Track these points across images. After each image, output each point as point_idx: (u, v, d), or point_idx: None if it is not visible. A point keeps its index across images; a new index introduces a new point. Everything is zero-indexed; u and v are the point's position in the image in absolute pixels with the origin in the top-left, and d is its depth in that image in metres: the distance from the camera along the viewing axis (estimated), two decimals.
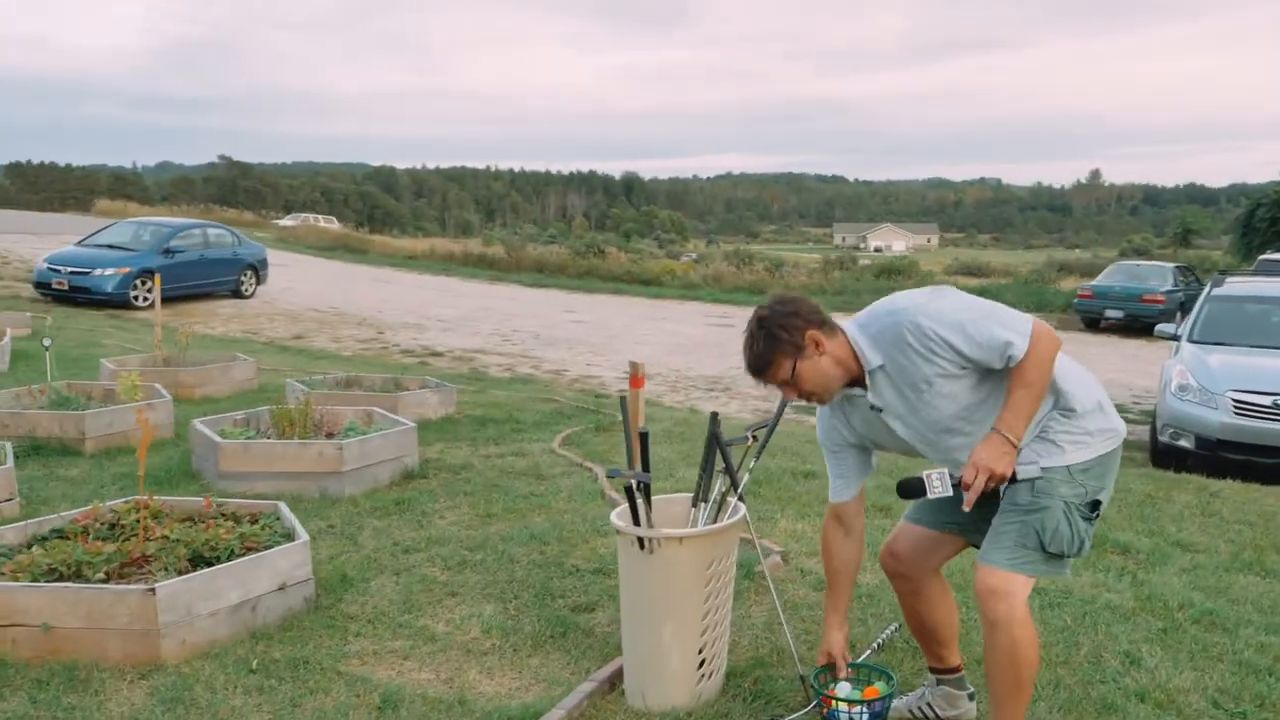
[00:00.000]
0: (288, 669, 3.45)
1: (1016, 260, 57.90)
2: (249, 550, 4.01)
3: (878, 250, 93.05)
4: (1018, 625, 2.65)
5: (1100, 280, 21.97)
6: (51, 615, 3.51)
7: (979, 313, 2.61)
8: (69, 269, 16.91)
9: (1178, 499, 6.04)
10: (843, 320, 2.76)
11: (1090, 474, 2.68)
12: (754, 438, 3.50)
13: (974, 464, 2.57)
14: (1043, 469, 2.62)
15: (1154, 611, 4.08)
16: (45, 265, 17.33)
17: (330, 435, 6.08)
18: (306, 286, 22.77)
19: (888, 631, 3.72)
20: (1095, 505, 2.70)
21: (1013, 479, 2.59)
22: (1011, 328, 2.56)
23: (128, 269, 17.16)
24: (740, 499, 3.41)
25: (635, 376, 3.58)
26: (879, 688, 3.03)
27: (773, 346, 2.67)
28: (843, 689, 3.03)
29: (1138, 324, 19.37)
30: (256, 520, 4.43)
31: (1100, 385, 2.81)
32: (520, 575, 4.34)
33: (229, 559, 3.90)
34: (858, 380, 2.74)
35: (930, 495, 2.59)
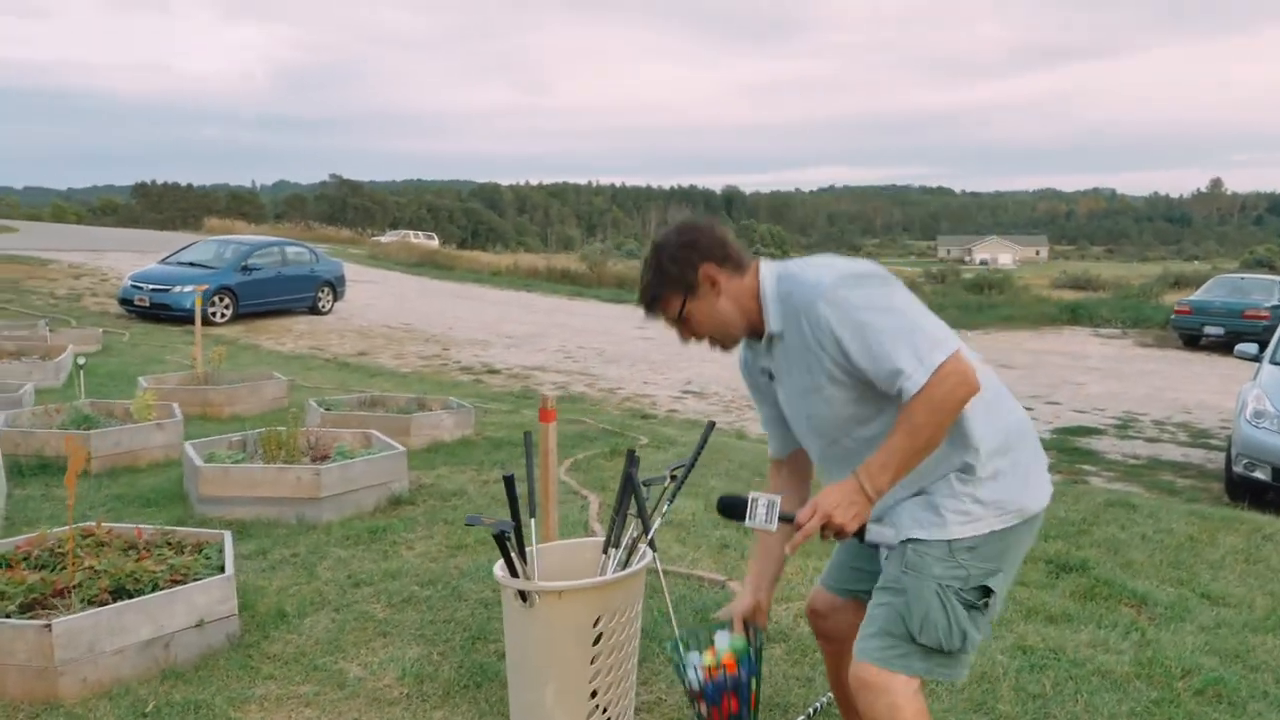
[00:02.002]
0: (179, 713, 3.27)
1: (1130, 273, 55.52)
2: (175, 583, 3.86)
3: (983, 263, 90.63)
4: None
5: (1200, 295, 20.79)
6: None
7: (891, 320, 2.16)
8: (150, 286, 17.37)
9: (1222, 543, 5.48)
10: (771, 263, 2.37)
11: (977, 554, 2.25)
12: (673, 477, 3.20)
13: (812, 504, 2.18)
14: (914, 540, 2.24)
15: (1151, 679, 3.62)
16: (129, 283, 17.84)
17: (323, 459, 5.94)
18: (385, 303, 23.03)
19: (821, 700, 3.35)
20: (984, 592, 2.26)
21: (859, 536, 2.21)
22: (918, 352, 2.12)
23: (206, 285, 17.52)
24: (651, 545, 3.11)
25: (545, 409, 3.30)
26: (737, 647, 2.62)
27: (660, 280, 2.34)
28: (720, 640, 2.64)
29: (1240, 342, 18.26)
30: (201, 549, 4.29)
31: (1030, 438, 2.36)
32: (461, 615, 4.10)
33: (152, 592, 3.75)
34: (759, 332, 2.37)
35: (750, 523, 2.23)
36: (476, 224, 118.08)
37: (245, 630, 3.93)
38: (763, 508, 2.22)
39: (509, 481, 2.84)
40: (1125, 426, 11.71)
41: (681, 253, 2.33)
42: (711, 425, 3.19)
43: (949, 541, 2.23)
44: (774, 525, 2.22)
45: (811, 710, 3.26)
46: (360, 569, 4.66)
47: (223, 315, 17.79)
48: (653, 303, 2.38)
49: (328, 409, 7.75)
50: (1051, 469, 8.32)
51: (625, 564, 3.08)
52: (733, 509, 2.26)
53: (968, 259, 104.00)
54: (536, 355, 16.15)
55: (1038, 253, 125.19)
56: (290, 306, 19.55)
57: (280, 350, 15.59)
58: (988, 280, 29.37)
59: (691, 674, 2.58)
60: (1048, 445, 10.23)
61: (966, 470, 2.25)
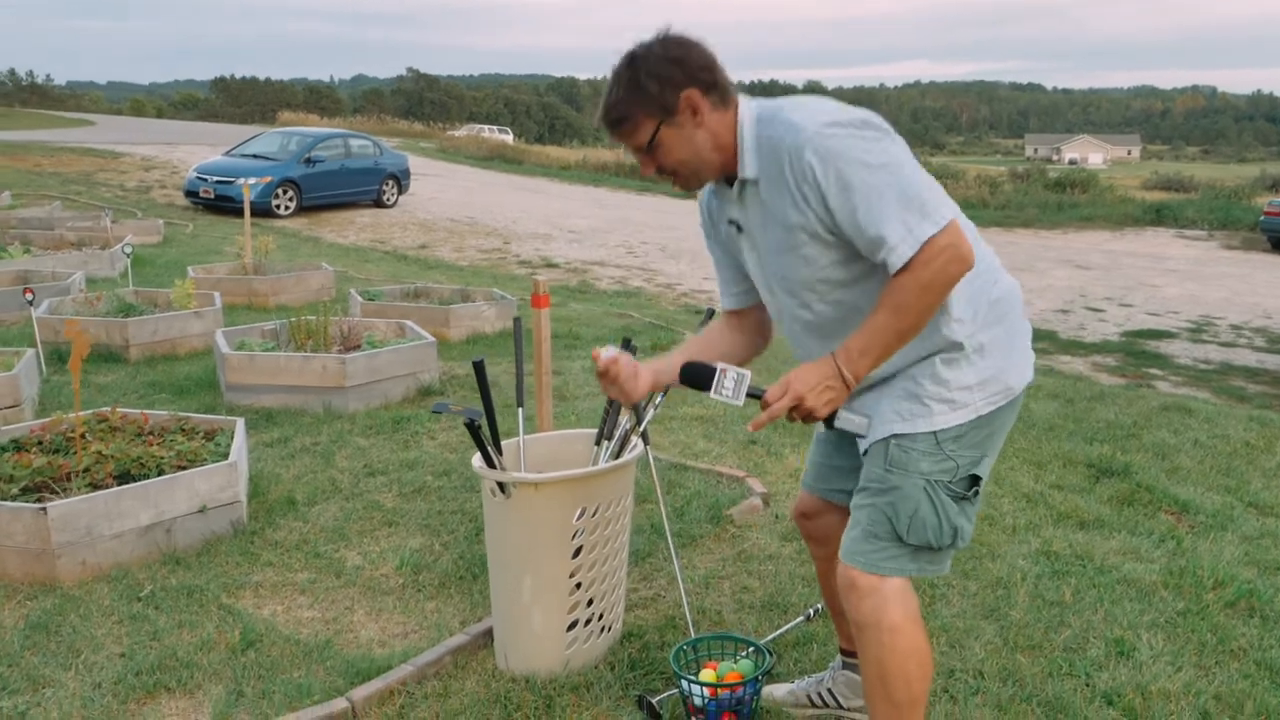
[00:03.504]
0: (174, 598, 3.26)
1: (1226, 175, 53.02)
2: (181, 469, 3.84)
3: (1072, 162, 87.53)
4: (887, 630, 2.07)
5: None
6: None
7: (881, 179, 1.88)
8: (215, 178, 17.46)
9: None
10: (751, 100, 2.07)
11: (964, 442, 2.06)
12: None
13: (784, 382, 1.97)
14: (897, 435, 2.06)
15: (1180, 589, 3.41)
16: (194, 175, 17.96)
17: (354, 348, 5.89)
18: (451, 196, 22.96)
19: (820, 604, 3.20)
20: (973, 482, 2.08)
21: (829, 424, 2.01)
22: (907, 221, 1.87)
23: (269, 178, 17.58)
24: (643, 437, 2.97)
25: (538, 295, 3.14)
26: (744, 668, 2.57)
27: (635, 98, 2.00)
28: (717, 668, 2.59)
29: None
30: (213, 437, 4.28)
31: (1018, 309, 2.14)
32: (471, 506, 4.03)
33: (157, 477, 3.74)
34: (731, 176, 2.10)
35: (715, 395, 2.02)
36: (553, 119, 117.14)
37: (253, 517, 3.91)
38: (731, 380, 2.02)
39: (478, 367, 2.70)
40: (1199, 330, 11.21)
41: (665, 69, 1.99)
42: (710, 313, 3.00)
43: (935, 433, 2.04)
44: (740, 400, 2.03)
45: (811, 611, 3.13)
46: (378, 458, 4.62)
47: (286, 208, 17.88)
48: (619, 123, 2.05)
49: (369, 299, 7.71)
50: (1116, 372, 8.03)
51: (617, 456, 2.94)
52: (698, 377, 2.05)
53: (1056, 158, 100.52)
54: (597, 250, 15.98)
55: (1130, 152, 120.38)
56: (354, 199, 19.56)
57: (341, 242, 15.64)
58: (1070, 179, 28.18)
59: (695, 691, 2.49)
60: (1115, 348, 9.93)
61: (951, 349, 2.04)
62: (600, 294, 11.65)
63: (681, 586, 2.94)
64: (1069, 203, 24.55)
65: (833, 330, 2.09)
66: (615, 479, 2.81)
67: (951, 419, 2.04)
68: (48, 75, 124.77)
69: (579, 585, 2.77)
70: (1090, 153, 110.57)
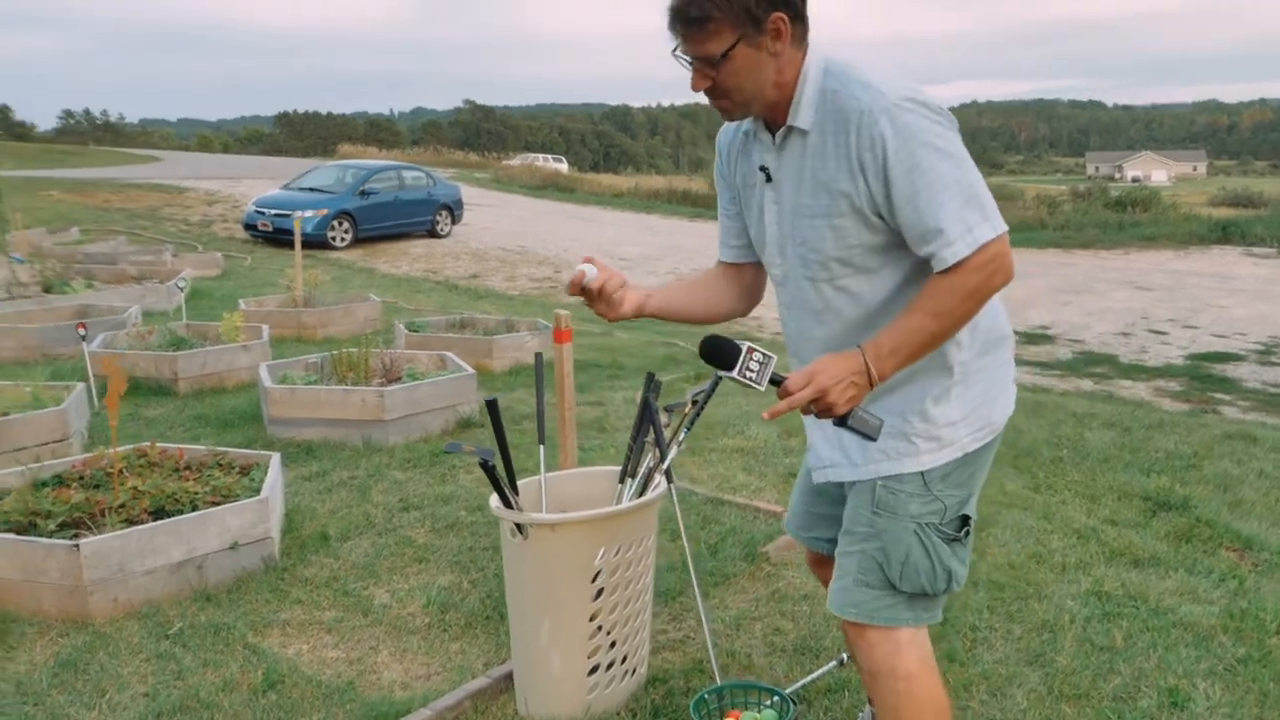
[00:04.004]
0: (201, 635, 3.25)
1: None
2: (215, 505, 3.84)
3: (1135, 180, 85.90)
4: (903, 678, 1.97)
5: None
6: None
7: (951, 169, 1.78)
8: (272, 211, 17.77)
9: None
10: (818, 49, 1.91)
11: (951, 481, 1.96)
12: (694, 402, 2.96)
13: (809, 372, 1.81)
14: (886, 476, 1.95)
15: (1241, 633, 3.24)
16: (253, 208, 18.30)
17: (395, 380, 5.90)
18: (504, 226, 23.11)
19: (845, 654, 3.08)
20: (963, 522, 1.99)
21: (842, 421, 1.85)
22: (967, 219, 1.77)
23: (325, 210, 17.86)
24: (667, 475, 2.89)
25: (559, 329, 3.09)
26: (767, 718, 2.47)
27: (728, 1, 1.80)
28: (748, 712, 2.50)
29: None
30: (248, 472, 4.28)
31: (1009, 341, 2.05)
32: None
33: (191, 513, 3.74)
34: (776, 121, 1.95)
35: (738, 375, 1.84)
36: (608, 147, 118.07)
37: (285, 553, 3.90)
38: (756, 362, 1.84)
39: (491, 406, 2.65)
40: (1269, 352, 10.84)
41: None
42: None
43: (922, 473, 1.95)
44: (764, 384, 1.85)
45: (844, 656, 3.02)
46: (414, 492, 4.60)
47: (342, 240, 18.13)
48: (695, 23, 1.82)
49: (414, 330, 7.74)
50: (1180, 397, 7.73)
51: (641, 494, 2.87)
52: (721, 353, 1.86)
53: (1118, 176, 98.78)
54: (648, 277, 15.94)
55: (1195, 169, 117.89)
56: (408, 230, 19.77)
57: (394, 273, 15.79)
58: (1132, 197, 27.61)
59: None
60: (1179, 372, 9.63)
61: (942, 378, 1.94)
62: (648, 322, 11.59)
63: (706, 630, 2.85)
64: (1130, 222, 24.02)
65: (829, 317, 1.99)
66: (636, 519, 2.74)
67: (939, 458, 1.95)
68: (120, 114, 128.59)
69: (600, 628, 2.70)
70: (1154, 170, 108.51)
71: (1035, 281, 16.03)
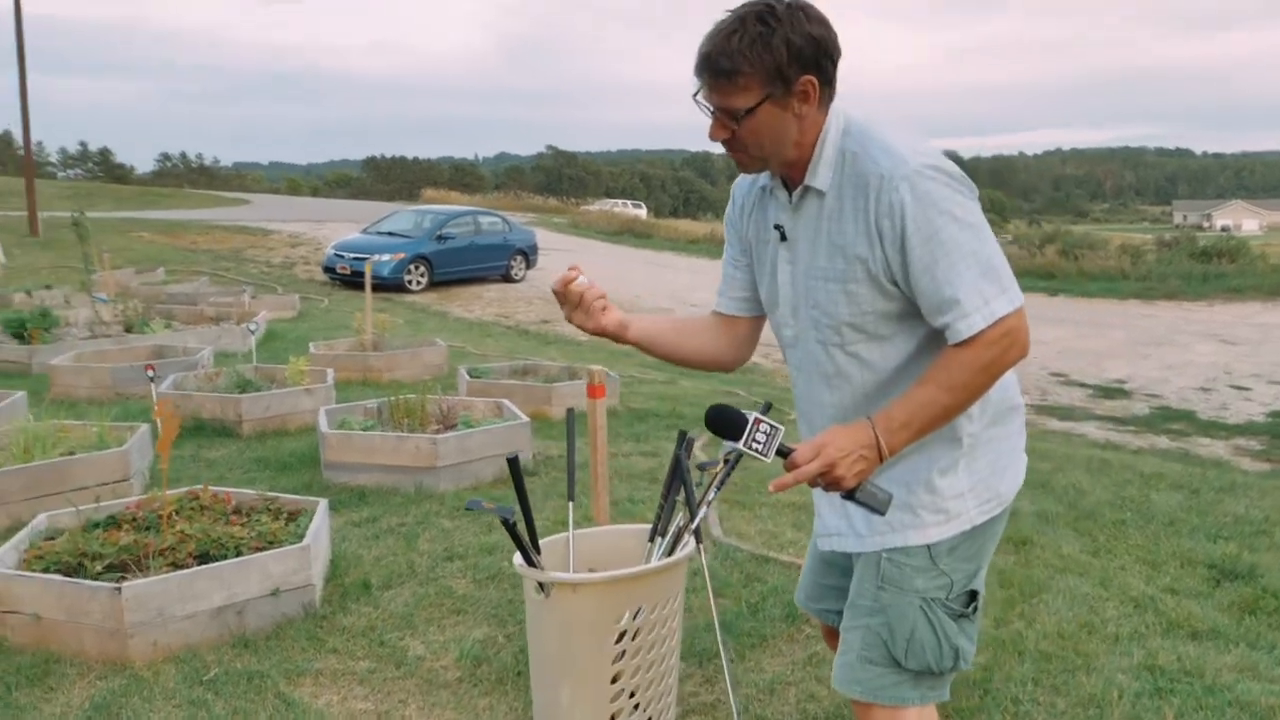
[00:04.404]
0: (235, 683, 3.28)
1: None
2: (260, 550, 3.89)
3: (1224, 229, 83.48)
4: None
5: None
6: (41, 606, 3.53)
7: (970, 239, 1.75)
8: (351, 255, 18.18)
9: None
10: (839, 109, 1.88)
11: (958, 555, 1.91)
12: (726, 460, 2.92)
13: (817, 444, 1.76)
14: (891, 549, 1.90)
15: None
16: (332, 251, 18.76)
17: (451, 427, 5.95)
18: None
19: None
20: (971, 598, 1.93)
21: (849, 495, 1.80)
22: (984, 291, 1.74)
23: (402, 255, 18.23)
24: (696, 535, 2.85)
25: (592, 385, 3.08)
26: None
27: (756, 56, 1.75)
28: None
29: None
30: (295, 517, 4.33)
31: (1020, 410, 2.00)
32: None
33: (235, 558, 3.79)
34: (794, 179, 1.92)
35: (744, 447, 1.79)
36: (687, 192, 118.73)
37: (326, 600, 3.93)
38: (763, 434, 1.80)
39: (512, 464, 2.64)
40: None
41: (802, 42, 1.77)
42: (768, 406, 2.89)
43: (928, 546, 1.90)
44: (770, 456, 1.81)
45: None
46: (459, 542, 4.61)
47: (418, 283, 18.46)
48: (724, 75, 1.79)
49: (476, 376, 7.81)
50: (1260, 456, 7.44)
51: (670, 553, 2.84)
52: (728, 423, 1.81)
53: (1206, 225, 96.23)
54: None
55: None
56: (483, 274, 20.08)
57: (467, 317, 16.02)
58: (1218, 248, 26.84)
59: None
60: (1261, 429, 9.29)
61: (951, 450, 1.89)
62: (712, 373, 11.56)
63: (733, 702, 2.78)
64: (1216, 273, 23.34)
65: (839, 382, 1.95)
66: (662, 579, 2.70)
67: (946, 531, 1.90)
68: (215, 157, 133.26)
69: (623, 690, 2.66)
70: (1244, 219, 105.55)
71: (1114, 333, 15.67)
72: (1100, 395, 11.00)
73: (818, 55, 1.79)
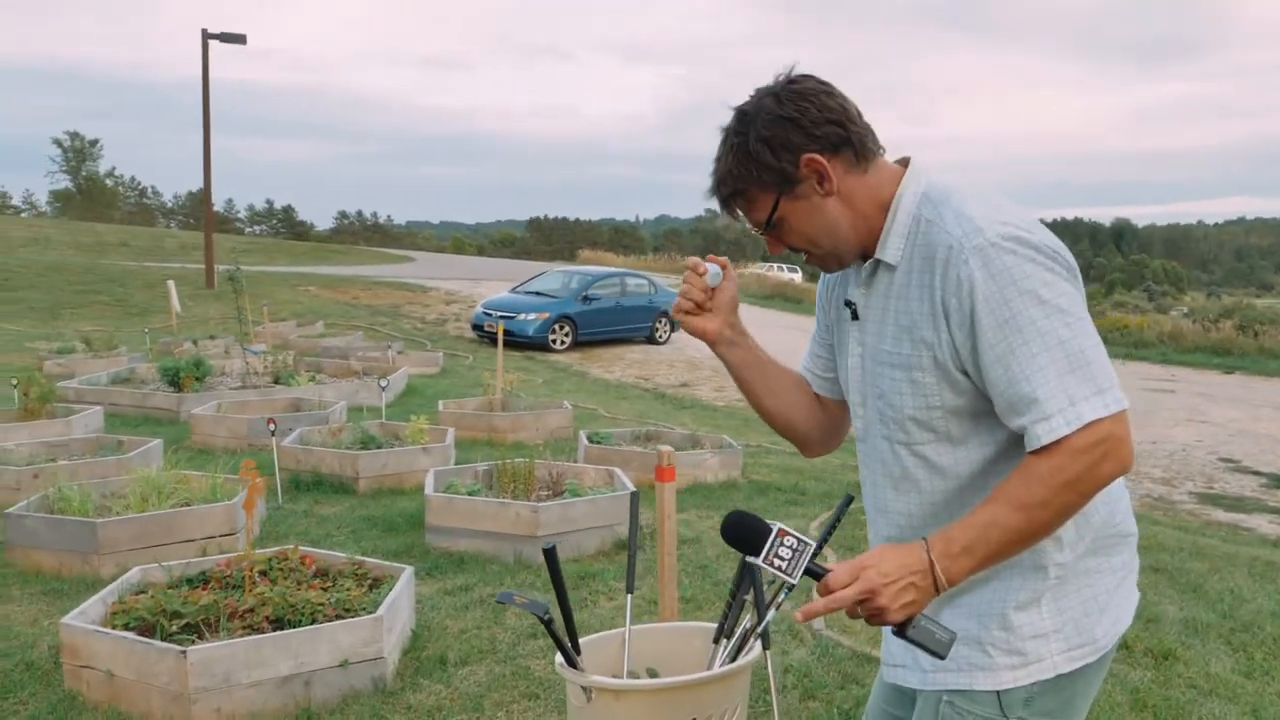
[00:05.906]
0: None
1: None
2: (338, 618, 3.79)
3: None
4: None
5: None
6: (114, 663, 3.50)
7: (1056, 325, 1.47)
8: (499, 313, 18.49)
9: None
10: (924, 172, 1.66)
11: (1035, 708, 1.58)
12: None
13: (856, 566, 1.48)
14: (952, 690, 1.58)
15: None
16: (481, 309, 19.14)
17: (559, 494, 5.80)
18: None
19: None
20: None
21: (900, 631, 1.49)
22: (1070, 389, 1.44)
23: (547, 314, 18.45)
24: (763, 639, 2.56)
25: (661, 467, 2.84)
26: None
27: (746, 168, 1.61)
28: None
29: None
30: (379, 584, 4.23)
31: (1132, 538, 1.68)
32: None
33: (310, 624, 3.70)
34: (869, 252, 1.67)
35: (763, 563, 1.52)
36: None
37: (399, 673, 3.79)
38: (788, 549, 1.52)
39: (549, 555, 2.42)
40: None
41: (779, 131, 1.58)
42: (848, 500, 2.60)
43: (998, 693, 1.58)
44: (796, 578, 1.53)
45: None
46: None
47: (562, 343, 18.61)
48: (731, 199, 1.66)
49: (596, 441, 7.66)
50: None
51: (734, 658, 2.56)
52: (745, 533, 1.55)
53: None
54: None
55: None
56: (627, 335, 20.11)
57: (606, 378, 15.99)
58: None
59: None
60: None
61: (1033, 581, 1.58)
62: (847, 441, 11.12)
63: None
64: None
65: (907, 487, 1.68)
66: (720, 688, 2.42)
67: (1021, 676, 1.58)
68: (388, 215, 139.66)
69: None
70: None
71: None
72: (1275, 485, 10.04)
73: (804, 133, 1.59)
